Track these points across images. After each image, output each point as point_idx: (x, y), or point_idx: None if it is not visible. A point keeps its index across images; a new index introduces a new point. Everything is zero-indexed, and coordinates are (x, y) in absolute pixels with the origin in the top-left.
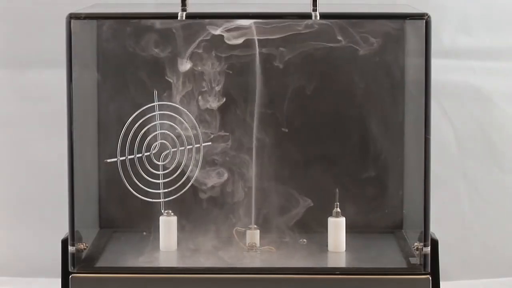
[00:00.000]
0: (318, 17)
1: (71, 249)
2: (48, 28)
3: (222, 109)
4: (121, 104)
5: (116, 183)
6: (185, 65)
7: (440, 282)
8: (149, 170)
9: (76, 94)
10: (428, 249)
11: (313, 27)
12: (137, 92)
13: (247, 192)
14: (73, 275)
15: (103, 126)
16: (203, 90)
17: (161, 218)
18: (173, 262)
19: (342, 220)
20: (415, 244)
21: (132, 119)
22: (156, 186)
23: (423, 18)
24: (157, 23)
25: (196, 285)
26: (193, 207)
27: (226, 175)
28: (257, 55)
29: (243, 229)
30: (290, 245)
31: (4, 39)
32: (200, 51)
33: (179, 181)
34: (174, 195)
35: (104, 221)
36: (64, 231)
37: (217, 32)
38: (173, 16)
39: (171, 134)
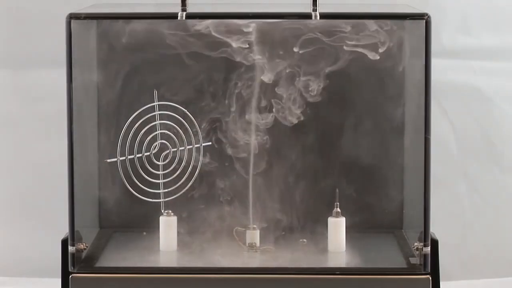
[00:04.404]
0: (318, 17)
1: (71, 249)
2: (48, 28)
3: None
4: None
5: (116, 183)
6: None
7: (440, 282)
8: (149, 170)
9: (76, 94)
10: (428, 249)
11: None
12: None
13: (246, 191)
14: (73, 275)
15: (103, 126)
16: None
17: (161, 218)
18: (173, 262)
19: (342, 220)
20: (415, 244)
21: (132, 119)
22: (156, 186)
23: (423, 18)
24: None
25: (196, 285)
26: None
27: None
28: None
29: (243, 229)
30: (290, 245)
31: (4, 39)
32: None
33: (179, 181)
34: (174, 195)
35: (104, 221)
36: (64, 231)
37: None
38: (173, 16)
39: (171, 134)
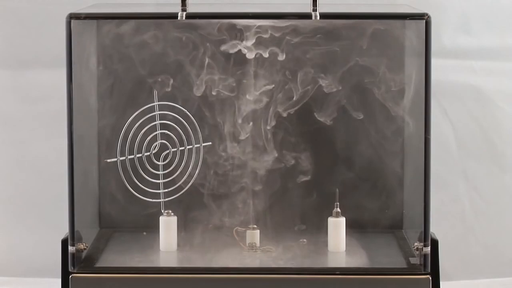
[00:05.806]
0: (318, 17)
1: (71, 249)
2: (48, 28)
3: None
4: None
5: (116, 183)
6: None
7: (440, 282)
8: (149, 170)
9: (76, 94)
10: (428, 249)
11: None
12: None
13: (246, 191)
14: (73, 275)
15: (103, 126)
16: None
17: (161, 218)
18: (173, 262)
19: (342, 220)
20: (415, 244)
21: (132, 119)
22: (156, 186)
23: (423, 18)
24: None
25: (196, 285)
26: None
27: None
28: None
29: (243, 229)
30: (290, 245)
31: (4, 39)
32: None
33: (179, 181)
34: (174, 195)
35: (104, 221)
36: (64, 231)
37: None
38: (173, 16)
39: (171, 134)
